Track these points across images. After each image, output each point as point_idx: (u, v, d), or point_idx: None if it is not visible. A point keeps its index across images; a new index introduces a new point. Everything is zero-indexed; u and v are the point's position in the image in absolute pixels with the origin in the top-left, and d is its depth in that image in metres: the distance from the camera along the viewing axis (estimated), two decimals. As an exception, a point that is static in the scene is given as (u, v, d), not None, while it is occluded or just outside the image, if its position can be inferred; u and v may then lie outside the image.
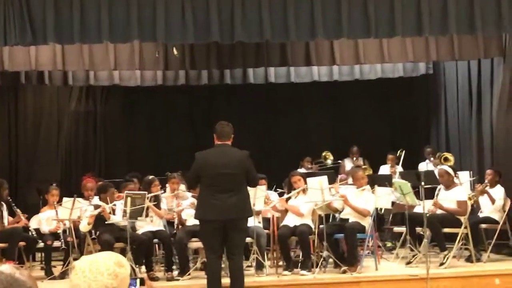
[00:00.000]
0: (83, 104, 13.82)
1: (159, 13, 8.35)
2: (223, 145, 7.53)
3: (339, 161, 12.99)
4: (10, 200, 9.30)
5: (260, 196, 8.76)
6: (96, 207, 8.68)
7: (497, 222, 9.36)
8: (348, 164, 12.82)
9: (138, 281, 2.64)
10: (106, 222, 8.65)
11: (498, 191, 9.49)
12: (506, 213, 9.34)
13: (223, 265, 7.89)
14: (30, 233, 9.16)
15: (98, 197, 9.05)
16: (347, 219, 8.90)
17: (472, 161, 11.23)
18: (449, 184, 9.26)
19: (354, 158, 12.93)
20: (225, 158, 7.42)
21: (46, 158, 13.19)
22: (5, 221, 9.12)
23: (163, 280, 8.55)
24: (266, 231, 9.16)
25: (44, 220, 9.35)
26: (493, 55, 10.27)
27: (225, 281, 7.56)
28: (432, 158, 11.63)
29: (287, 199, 9.17)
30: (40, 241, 9.16)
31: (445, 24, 8.56)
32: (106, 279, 2.38)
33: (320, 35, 8.66)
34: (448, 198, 9.13)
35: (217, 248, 7.46)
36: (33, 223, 9.40)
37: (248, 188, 7.64)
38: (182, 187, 9.92)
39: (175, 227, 9.28)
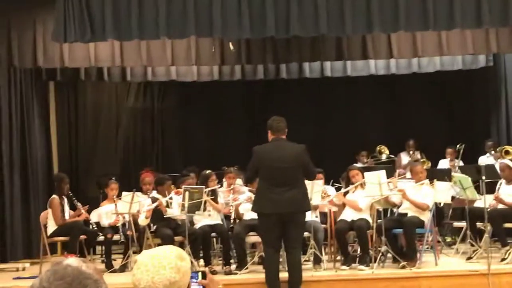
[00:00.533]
0: (140, 99, 14.00)
1: (215, 9, 8.40)
2: (280, 139, 7.60)
3: (391, 156, 12.81)
4: (71, 194, 9.48)
5: (317, 191, 8.74)
6: (154, 200, 8.80)
7: (561, 218, 9.12)
8: (404, 158, 12.67)
9: (200, 274, 2.65)
10: (164, 216, 8.75)
11: None
12: None
13: (281, 259, 7.91)
14: (90, 227, 9.35)
15: (155, 190, 9.17)
16: (406, 214, 8.80)
17: (534, 154, 10.96)
18: (511, 179, 9.07)
19: (411, 152, 12.76)
20: (282, 152, 7.49)
21: (105, 152, 13.45)
22: (66, 215, 9.31)
23: (221, 274, 8.59)
24: (324, 225, 9.14)
25: (104, 214, 9.51)
26: (555, 46, 10.02)
27: (284, 275, 7.59)
28: (493, 152, 11.41)
29: (345, 193, 9.13)
30: (100, 234, 9.33)
31: (505, 15, 8.40)
32: (169, 272, 2.40)
33: (377, 28, 8.58)
34: (510, 193, 8.94)
35: (274, 242, 7.49)
36: (93, 217, 9.58)
37: (306, 182, 7.64)
38: (239, 181, 9.96)
39: (231, 221, 9.32)
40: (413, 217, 8.69)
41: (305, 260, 8.84)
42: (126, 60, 10.35)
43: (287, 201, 7.33)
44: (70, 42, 8.93)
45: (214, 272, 8.59)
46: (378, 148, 12.96)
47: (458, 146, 11.77)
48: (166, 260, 2.43)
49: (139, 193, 9.08)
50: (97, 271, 2.04)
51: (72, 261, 2.02)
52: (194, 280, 2.61)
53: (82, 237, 9.09)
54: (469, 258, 8.94)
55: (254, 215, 8.84)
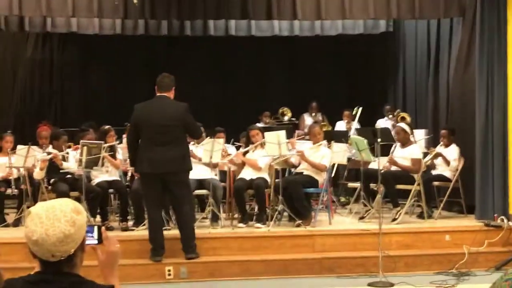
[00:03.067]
0: (39, 51, 13.57)
1: (119, -40, 8.17)
2: (162, 96, 7.49)
3: (293, 118, 12.96)
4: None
5: (218, 149, 8.76)
6: (49, 154, 8.61)
7: (449, 180, 9.53)
8: (308, 119, 12.85)
9: (95, 228, 2.61)
10: (60, 171, 8.58)
11: (453, 151, 9.62)
12: (458, 171, 9.51)
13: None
14: (-19, 180, 9.04)
15: (51, 145, 8.98)
16: (302, 173, 8.97)
17: (428, 119, 11.36)
18: (405, 142, 9.38)
19: (313, 114, 12.97)
20: (161, 110, 7.38)
21: (1, 104, 12.97)
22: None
23: (118, 230, 8.56)
24: (223, 184, 9.21)
25: (-3, 167, 9.23)
26: (453, 15, 10.29)
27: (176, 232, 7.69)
28: (390, 116, 11.75)
29: (245, 153, 9.20)
30: (-8, 187, 9.05)
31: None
32: (64, 225, 2.37)
33: (282, -11, 8.59)
34: (403, 156, 9.25)
35: (156, 201, 7.49)
36: (-14, 170, 9.27)
37: (207, 140, 7.62)
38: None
39: (128, 178, 9.28)
40: (301, 176, 8.88)
41: (203, 218, 8.92)
42: (25, 9, 9.90)
43: (167, 161, 7.27)
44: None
45: (110, 228, 8.54)
46: (280, 110, 13.07)
47: (355, 109, 12.04)
48: (62, 213, 2.39)
49: (35, 147, 8.85)
50: None
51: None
52: (90, 235, 2.58)
53: (-28, 189, 8.81)
54: (362, 218, 9.24)
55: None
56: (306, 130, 11.55)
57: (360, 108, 11.95)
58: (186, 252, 7.62)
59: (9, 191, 8.94)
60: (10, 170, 8.98)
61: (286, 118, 13.06)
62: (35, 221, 2.37)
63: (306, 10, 10.36)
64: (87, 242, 2.53)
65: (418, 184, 9.08)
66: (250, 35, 12.34)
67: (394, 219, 8.91)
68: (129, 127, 7.98)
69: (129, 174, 9.30)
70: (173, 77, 7.62)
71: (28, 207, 8.66)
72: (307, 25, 12.24)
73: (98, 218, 8.74)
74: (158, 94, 7.52)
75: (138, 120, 7.46)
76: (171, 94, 7.54)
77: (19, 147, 8.79)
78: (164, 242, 7.63)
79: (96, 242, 2.60)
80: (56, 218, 2.37)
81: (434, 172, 9.81)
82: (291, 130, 10.72)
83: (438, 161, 9.74)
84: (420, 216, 9.35)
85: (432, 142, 10.49)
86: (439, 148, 9.77)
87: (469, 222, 9.05)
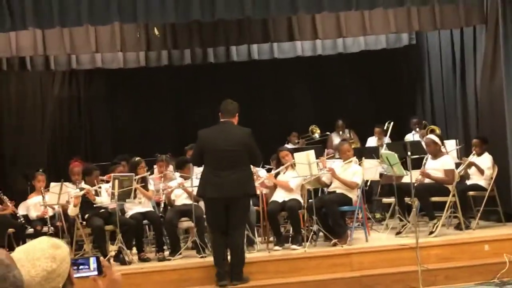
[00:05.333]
0: (66, 88, 13.73)
1: (138, -7, 8.26)
2: (226, 122, 7.61)
3: (327, 133, 13.00)
4: (-3, 188, 9.26)
5: (252, 174, 8.74)
6: (82, 190, 8.67)
7: (485, 189, 9.40)
8: (335, 138, 12.83)
9: (92, 259, 2.61)
10: (94, 206, 8.63)
11: (486, 160, 9.51)
12: (493, 179, 9.39)
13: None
14: (18, 220, 9.14)
15: (84, 181, 9.05)
16: (335, 192, 8.93)
17: (458, 129, 11.26)
18: (436, 153, 9.28)
19: (340, 132, 12.94)
20: (226, 135, 7.50)
21: (32, 143, 13.13)
22: (-7, 209, 9.09)
23: (155, 261, 8.57)
24: (256, 207, 9.19)
25: (32, 206, 9.32)
26: (474, 23, 10.25)
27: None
28: (418, 129, 11.66)
29: (276, 175, 9.18)
30: (28, 227, 9.13)
31: (426, -7, 8.54)
32: (44, 263, 2.37)
33: (301, 10, 8.61)
34: (436, 167, 9.16)
35: (220, 225, 7.51)
36: (21, 210, 9.37)
37: None
38: (171, 168, 9.93)
39: (161, 208, 9.33)
40: (335, 195, 8.83)
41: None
42: (49, 48, 10.11)
43: (232, 185, 7.35)
44: (-11, 31, 8.66)
45: (147, 260, 8.55)
46: (310, 128, 13.11)
47: (386, 124, 11.97)
48: (40, 251, 2.39)
49: (67, 183, 8.92)
50: (8, 256, 2.01)
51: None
52: (86, 267, 2.58)
53: (10, 230, 8.89)
54: (399, 233, 9.14)
55: (186, 201, 8.87)
56: (333, 149, 11.52)
57: (392, 123, 11.89)
58: (233, 278, 7.59)
59: (45, 229, 9.01)
60: (45, 209, 9.07)
61: (316, 135, 13.07)
62: (18, 266, 2.37)
63: (326, 29, 10.40)
64: (86, 274, 2.54)
65: (453, 195, 8.96)
66: (273, 58, 12.38)
67: (431, 232, 8.80)
68: (192, 152, 8.08)
69: (162, 204, 9.34)
70: (237, 103, 7.74)
71: (66, 243, 8.81)
72: (329, 43, 12.25)
73: (134, 250, 8.77)
74: (222, 120, 7.62)
75: (203, 145, 7.56)
76: (235, 120, 7.66)
77: (52, 184, 8.87)
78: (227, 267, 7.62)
79: (96, 273, 2.60)
80: (36, 258, 2.37)
81: (468, 182, 9.69)
82: (321, 149, 10.70)
83: (472, 170, 9.62)
84: (458, 227, 9.23)
85: (464, 152, 10.37)
86: (472, 158, 9.65)
87: (508, 230, 8.91)
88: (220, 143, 7.44)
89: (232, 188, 7.35)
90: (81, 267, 2.56)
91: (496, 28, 9.46)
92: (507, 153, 9.00)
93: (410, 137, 11.67)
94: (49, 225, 8.88)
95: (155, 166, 10.07)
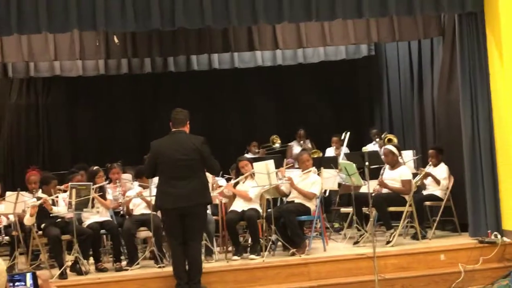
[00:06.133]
0: (24, 96, 13.54)
1: (98, 1, 8.19)
2: (178, 131, 7.56)
3: (289, 144, 13.06)
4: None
5: (208, 183, 8.72)
6: (39, 199, 8.56)
7: (441, 199, 9.53)
8: (296, 147, 12.88)
9: (28, 275, 2.58)
10: (51, 215, 8.53)
11: (442, 171, 9.65)
12: (449, 190, 9.52)
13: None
14: (-28, 230, 8.97)
15: (41, 190, 8.93)
16: (293, 201, 8.96)
17: (416, 139, 11.41)
18: (394, 164, 9.39)
19: (302, 141, 13.01)
20: (179, 145, 7.47)
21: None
22: None
23: (112, 271, 8.49)
24: (215, 217, 9.17)
25: (-13, 215, 9.16)
26: (432, 35, 10.41)
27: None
28: (377, 139, 11.77)
29: (235, 184, 9.18)
30: (-17, 237, 8.98)
31: (384, 5, 8.64)
32: None
33: (262, 20, 8.64)
34: (393, 177, 9.26)
35: (178, 235, 7.48)
36: (-24, 219, 9.20)
37: None
38: (128, 176, 9.87)
39: (120, 213, 9.28)
40: (293, 204, 8.87)
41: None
42: (6, 55, 9.96)
43: (187, 195, 7.32)
44: None
45: (104, 270, 8.47)
46: (271, 138, 13.17)
47: (343, 134, 12.06)
48: None
49: (24, 192, 8.80)
50: None
51: None
52: (22, 283, 2.55)
53: (-36, 240, 8.74)
54: (356, 242, 9.21)
55: (144, 211, 8.82)
56: (294, 159, 11.57)
57: (348, 133, 11.97)
58: (192, 286, 7.55)
59: (-1, 238, 8.89)
60: (0, 218, 8.92)
61: (277, 145, 13.14)
62: None
63: (287, 39, 10.46)
64: None
65: (410, 205, 9.07)
66: (233, 67, 12.40)
67: (388, 242, 8.89)
68: (144, 164, 8.09)
69: (121, 213, 9.28)
70: (187, 111, 7.69)
71: (20, 254, 8.68)
72: (290, 54, 12.33)
73: (91, 260, 8.68)
74: (173, 130, 7.58)
75: (157, 156, 7.51)
76: (186, 128, 7.63)
77: (8, 193, 8.73)
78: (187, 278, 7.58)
79: None
80: None
81: (425, 192, 9.82)
82: (280, 159, 10.73)
83: (428, 181, 9.76)
84: (414, 237, 9.33)
85: (421, 162, 10.52)
86: (428, 168, 9.78)
87: (463, 240, 9.04)
88: (174, 153, 7.41)
89: (188, 198, 7.33)
90: (17, 283, 2.52)
91: (453, 40, 9.63)
92: (463, 163, 9.13)
93: (370, 147, 11.77)
94: (3, 235, 8.74)
95: (110, 175, 9.98)
